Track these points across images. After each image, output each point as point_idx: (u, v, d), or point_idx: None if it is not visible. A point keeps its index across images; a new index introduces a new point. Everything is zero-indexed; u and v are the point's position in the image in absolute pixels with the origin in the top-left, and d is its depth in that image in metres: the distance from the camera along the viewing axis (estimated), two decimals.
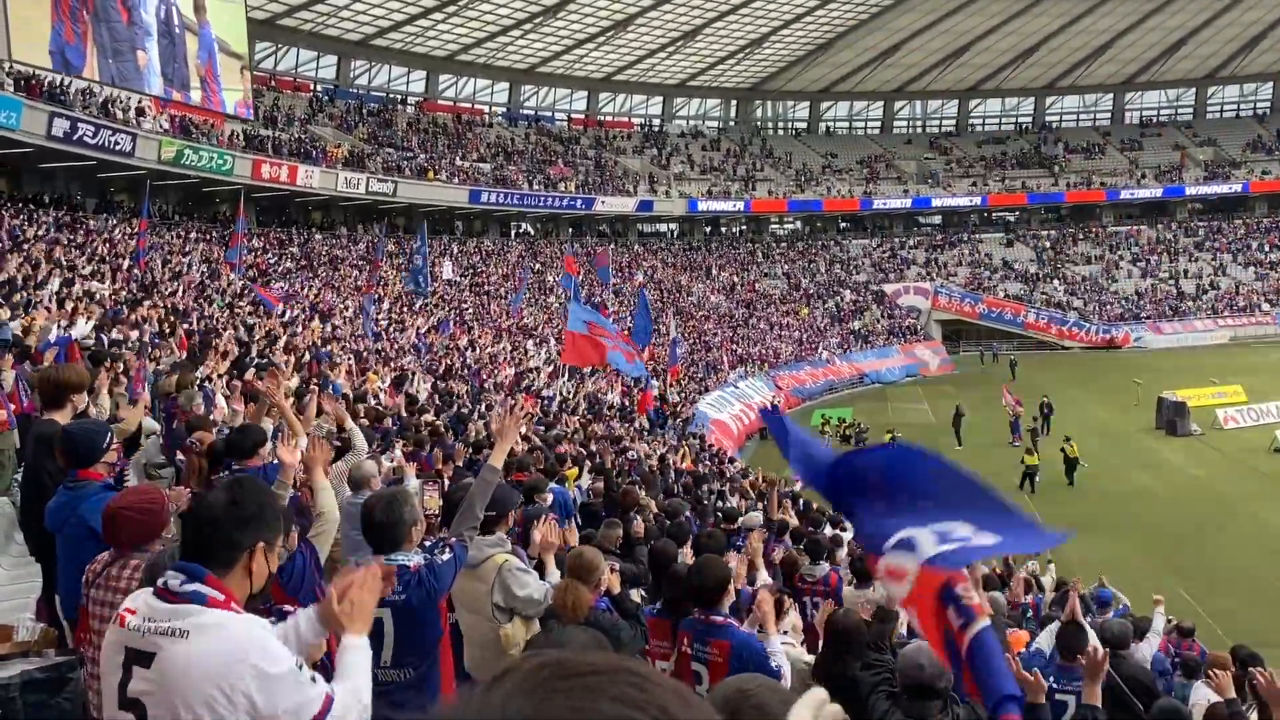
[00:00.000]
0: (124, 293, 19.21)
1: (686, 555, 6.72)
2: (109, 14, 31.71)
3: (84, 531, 4.32)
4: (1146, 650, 8.23)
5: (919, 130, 69.00)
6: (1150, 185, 61.74)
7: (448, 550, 3.84)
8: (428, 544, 4.09)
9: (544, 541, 5.15)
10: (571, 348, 17.82)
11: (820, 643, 5.11)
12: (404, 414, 12.19)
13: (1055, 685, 5.41)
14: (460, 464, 9.82)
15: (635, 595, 5.78)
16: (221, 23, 37.19)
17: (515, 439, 4.46)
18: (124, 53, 32.27)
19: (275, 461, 6.02)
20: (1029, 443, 27.72)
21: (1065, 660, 5.53)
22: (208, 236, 32.09)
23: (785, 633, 5.01)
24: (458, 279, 39.53)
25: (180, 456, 6.88)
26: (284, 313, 22.83)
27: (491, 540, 4.79)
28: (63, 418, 5.78)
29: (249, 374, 12.05)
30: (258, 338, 18.34)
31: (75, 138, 26.86)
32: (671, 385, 32.26)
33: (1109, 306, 55.17)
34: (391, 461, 8.54)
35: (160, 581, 2.39)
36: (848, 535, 13.28)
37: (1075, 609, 5.81)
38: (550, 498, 8.05)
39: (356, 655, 2.57)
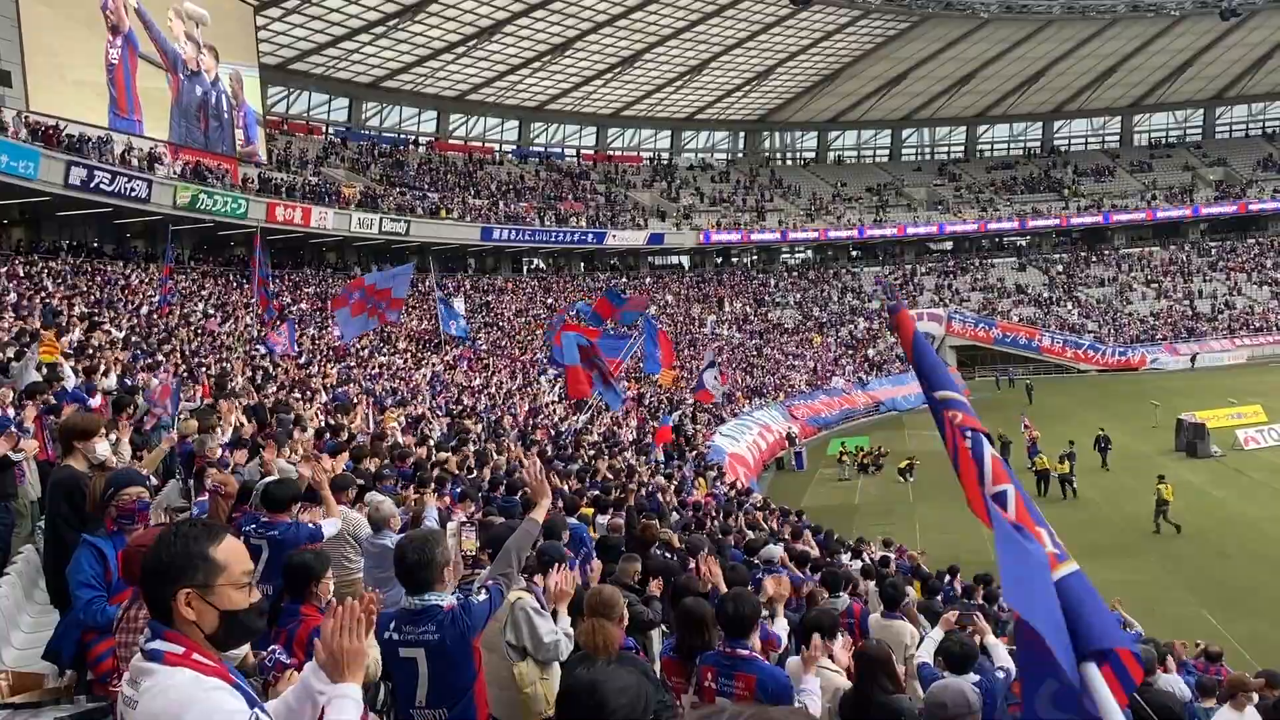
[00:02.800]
0: (142, 340, 19.36)
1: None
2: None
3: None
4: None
5: (927, 157, 69.23)
6: (1161, 206, 61.68)
7: (484, 591, 3.86)
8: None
9: (558, 591, 4.91)
10: (572, 382, 18.27)
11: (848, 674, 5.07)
12: (422, 458, 12.22)
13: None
14: (481, 498, 9.84)
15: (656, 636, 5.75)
16: (252, 95, 38.33)
17: (549, 496, 4.46)
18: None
19: (309, 524, 5.93)
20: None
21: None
22: (223, 280, 32.37)
23: (831, 656, 5.00)
24: (470, 316, 39.66)
25: (202, 497, 6.89)
26: (301, 354, 22.95)
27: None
28: (77, 464, 5.83)
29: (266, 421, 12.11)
30: (276, 378, 18.45)
31: (92, 185, 27.25)
32: (702, 411, 32.51)
33: (1124, 329, 54.96)
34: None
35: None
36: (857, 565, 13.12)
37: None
38: (567, 535, 7.96)
39: (343, 706, 2.37)
